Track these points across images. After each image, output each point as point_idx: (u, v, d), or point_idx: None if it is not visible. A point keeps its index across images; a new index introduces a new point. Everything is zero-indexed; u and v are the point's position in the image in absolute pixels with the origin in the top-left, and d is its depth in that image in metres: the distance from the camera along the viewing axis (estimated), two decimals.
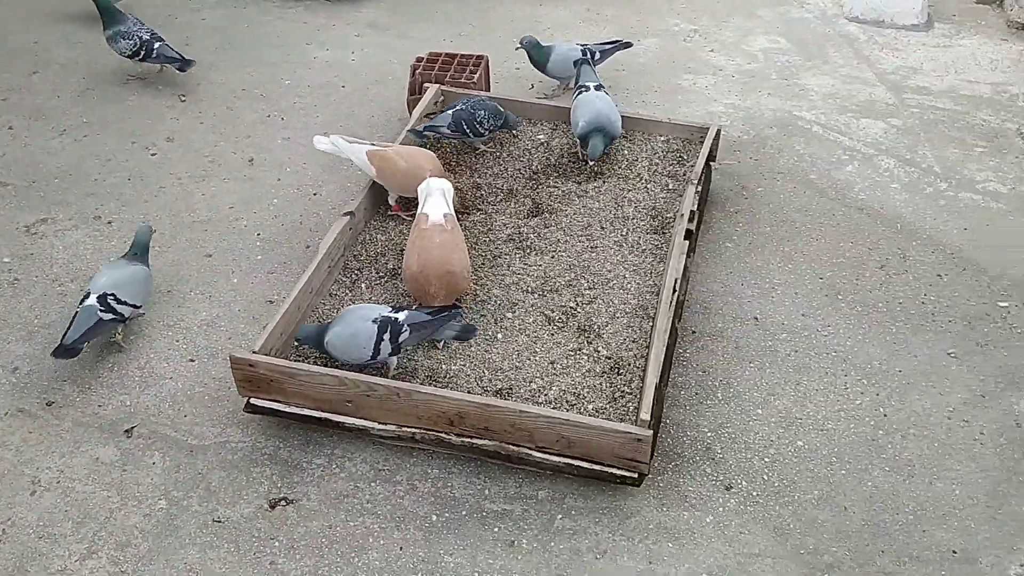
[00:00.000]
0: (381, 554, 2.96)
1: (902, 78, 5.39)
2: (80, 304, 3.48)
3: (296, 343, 3.32)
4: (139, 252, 3.68)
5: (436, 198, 3.64)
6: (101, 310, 3.44)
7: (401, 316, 3.21)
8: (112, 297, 3.47)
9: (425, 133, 4.18)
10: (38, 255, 4.06)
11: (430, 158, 3.90)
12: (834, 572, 2.94)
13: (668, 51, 5.64)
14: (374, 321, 3.16)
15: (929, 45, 5.71)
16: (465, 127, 4.12)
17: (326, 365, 3.26)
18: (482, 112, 4.13)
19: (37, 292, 3.88)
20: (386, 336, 3.14)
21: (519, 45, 4.92)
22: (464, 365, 3.36)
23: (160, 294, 3.88)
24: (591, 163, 4.19)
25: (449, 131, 4.14)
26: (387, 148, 3.91)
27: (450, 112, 4.17)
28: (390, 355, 3.20)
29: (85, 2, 5.78)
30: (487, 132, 4.18)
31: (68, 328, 3.41)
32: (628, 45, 5.04)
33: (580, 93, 4.33)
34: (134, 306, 3.57)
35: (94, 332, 3.42)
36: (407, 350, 3.36)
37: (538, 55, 4.91)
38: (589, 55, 4.82)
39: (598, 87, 4.34)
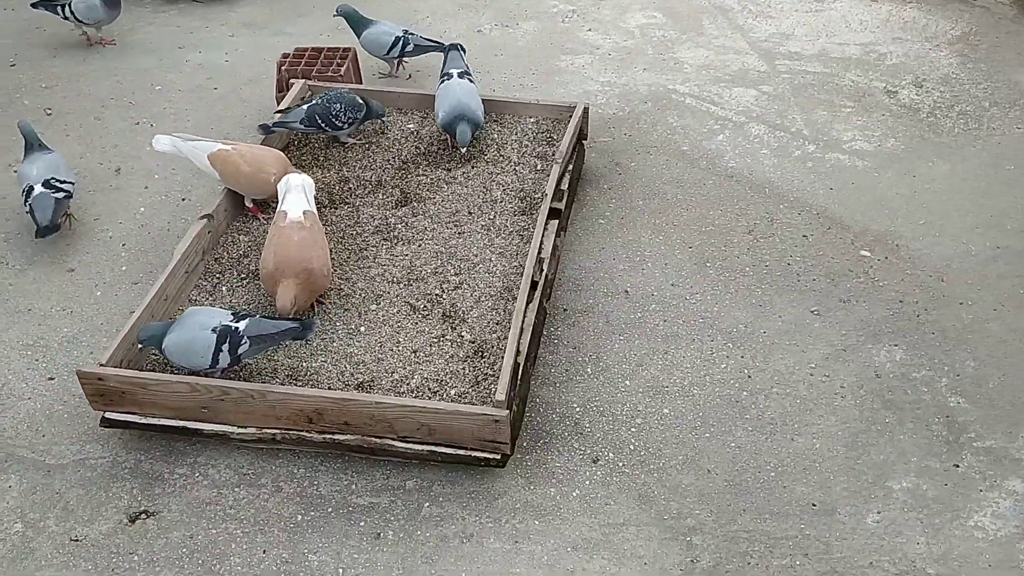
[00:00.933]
0: (243, 559, 2.92)
1: (774, 45, 5.47)
2: (29, 198, 3.97)
3: (139, 345, 3.21)
4: (37, 143, 4.12)
5: (296, 195, 3.58)
6: (52, 192, 3.97)
7: (242, 325, 3.11)
8: (53, 179, 4.00)
9: (273, 128, 4.12)
10: None
11: (277, 159, 3.83)
12: (696, 534, 2.98)
13: (546, 32, 5.64)
14: (213, 330, 3.09)
15: (802, 10, 5.80)
16: (320, 121, 4.07)
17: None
18: (338, 105, 4.08)
19: None
20: (225, 347, 3.07)
21: (335, 12, 4.83)
22: (325, 361, 3.32)
23: (20, 312, 3.78)
24: (463, 151, 4.17)
25: (303, 126, 4.09)
26: (231, 150, 3.83)
27: (304, 107, 4.12)
28: (229, 365, 3.14)
29: None
30: (345, 125, 4.13)
31: (34, 216, 3.93)
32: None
33: (443, 81, 4.30)
34: (71, 183, 4.09)
35: (59, 209, 3.97)
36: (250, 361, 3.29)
37: (354, 27, 4.85)
38: (405, 43, 4.75)
39: (462, 74, 4.31)
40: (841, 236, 4.09)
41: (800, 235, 4.10)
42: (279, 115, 4.21)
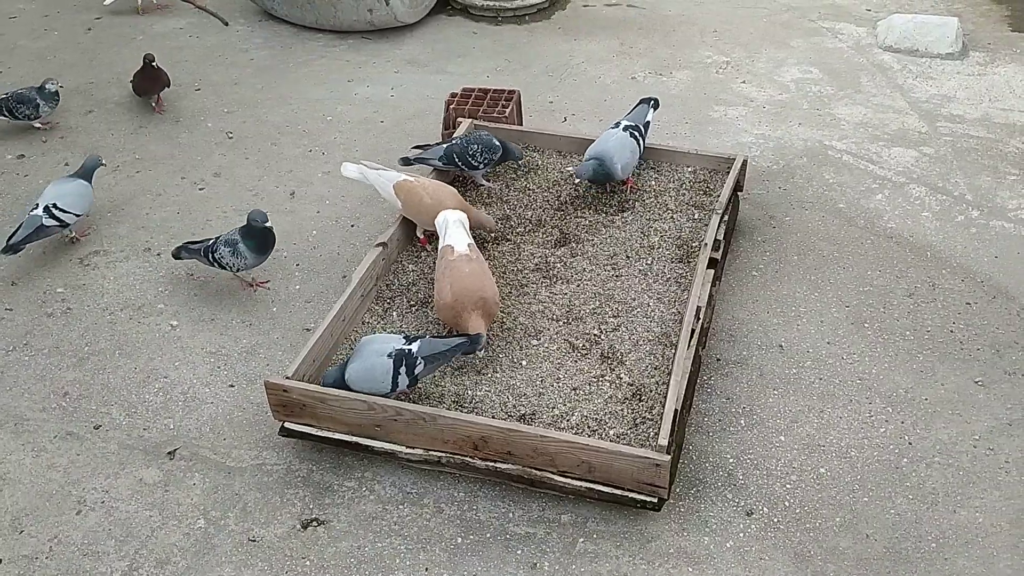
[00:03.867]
0: (406, 574, 3.06)
1: (935, 106, 5.40)
2: (28, 213, 4.31)
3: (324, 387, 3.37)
4: (84, 174, 4.46)
5: (456, 229, 3.74)
6: (46, 217, 4.26)
7: (415, 347, 3.29)
8: (56, 206, 4.28)
9: (413, 161, 4.33)
10: (90, 285, 4.28)
11: (453, 194, 4.02)
12: None
13: (700, 83, 5.73)
14: (389, 355, 3.26)
15: (964, 74, 5.71)
16: (457, 160, 4.27)
17: None
18: (475, 147, 4.27)
19: (88, 321, 4.09)
20: (402, 369, 3.24)
21: None
22: (489, 391, 3.46)
23: (204, 321, 4.07)
24: (576, 181, 4.26)
25: (442, 164, 4.30)
26: (415, 181, 4.05)
27: (444, 145, 4.33)
28: (408, 387, 3.30)
29: (138, 45, 6.10)
30: (481, 165, 4.30)
31: (16, 231, 4.23)
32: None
33: (609, 129, 4.38)
34: (75, 214, 4.37)
35: (37, 235, 4.24)
36: (427, 379, 3.46)
37: None
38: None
39: (626, 128, 4.29)
40: (1007, 307, 4.00)
41: (963, 302, 4.02)
42: (417, 150, 4.43)
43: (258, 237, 4.04)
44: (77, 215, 4.36)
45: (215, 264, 4.08)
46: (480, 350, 3.48)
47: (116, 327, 4.05)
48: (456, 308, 3.47)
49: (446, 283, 3.54)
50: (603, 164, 4.16)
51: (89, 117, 5.48)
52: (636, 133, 4.31)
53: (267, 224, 4.01)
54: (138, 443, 3.54)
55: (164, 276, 4.32)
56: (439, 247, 3.75)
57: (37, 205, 4.29)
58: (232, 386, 3.76)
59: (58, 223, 4.29)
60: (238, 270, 4.11)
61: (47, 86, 5.18)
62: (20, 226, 4.24)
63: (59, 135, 5.32)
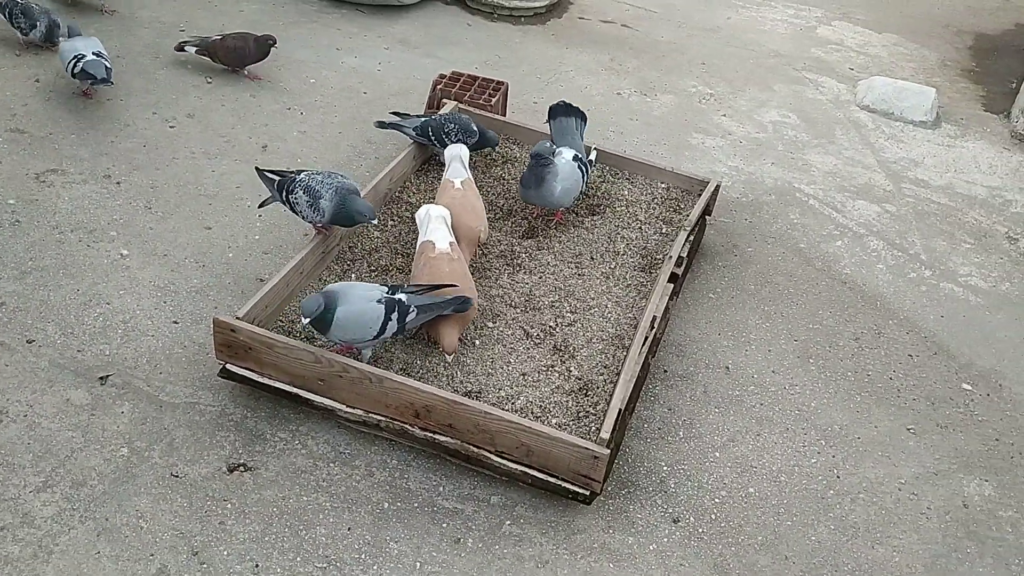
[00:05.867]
0: (328, 531, 3.01)
1: (903, 168, 5.56)
2: (80, 62, 4.59)
3: (305, 319, 3.13)
4: (79, 33, 4.87)
5: (438, 225, 3.64)
6: (104, 60, 4.66)
7: (404, 297, 3.24)
8: (100, 53, 4.70)
9: (388, 126, 4.33)
10: (43, 202, 4.15)
11: (457, 212, 3.77)
12: None
13: (682, 109, 5.82)
14: (379, 301, 3.20)
15: (934, 142, 5.90)
16: (431, 135, 4.26)
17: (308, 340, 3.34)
18: (452, 126, 4.25)
19: (36, 236, 3.97)
20: (393, 315, 3.18)
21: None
22: (438, 362, 3.43)
23: (156, 256, 3.97)
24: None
25: (415, 134, 4.30)
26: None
27: (422, 119, 4.33)
28: (394, 334, 3.25)
29: None
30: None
31: (88, 73, 4.58)
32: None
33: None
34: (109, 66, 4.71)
35: (110, 72, 4.65)
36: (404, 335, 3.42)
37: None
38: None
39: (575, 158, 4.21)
40: (946, 364, 4.11)
41: (906, 353, 4.13)
42: (395, 117, 4.43)
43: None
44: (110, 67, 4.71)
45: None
46: (470, 308, 3.36)
47: (64, 247, 3.93)
48: None
49: (424, 281, 3.44)
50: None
51: None
52: (581, 163, 4.23)
53: (373, 221, 3.59)
54: (70, 363, 3.43)
55: (121, 205, 4.21)
56: (419, 242, 3.63)
57: (82, 55, 4.60)
58: (176, 323, 3.67)
59: (109, 68, 4.67)
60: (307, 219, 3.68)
61: (59, 38, 5.01)
62: (84, 71, 4.56)
63: (33, 52, 5.17)
